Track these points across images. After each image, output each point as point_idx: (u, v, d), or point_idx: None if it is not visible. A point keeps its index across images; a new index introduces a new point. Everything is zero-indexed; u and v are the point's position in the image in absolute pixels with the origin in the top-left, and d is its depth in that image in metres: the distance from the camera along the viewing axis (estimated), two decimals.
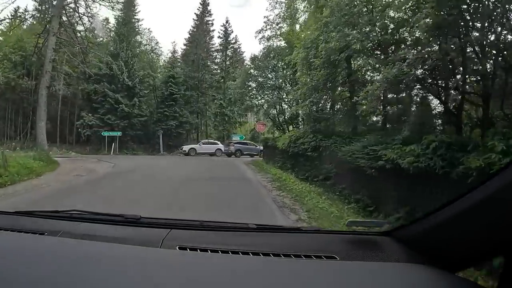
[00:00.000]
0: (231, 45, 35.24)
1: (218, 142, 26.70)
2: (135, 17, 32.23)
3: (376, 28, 7.88)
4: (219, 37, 35.20)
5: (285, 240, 1.21)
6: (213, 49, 35.81)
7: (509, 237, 0.74)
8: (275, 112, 17.91)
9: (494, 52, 5.69)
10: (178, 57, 34.60)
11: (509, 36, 5.64)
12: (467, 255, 0.88)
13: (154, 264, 0.88)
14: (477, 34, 5.75)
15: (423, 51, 6.08)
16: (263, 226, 1.30)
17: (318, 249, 1.07)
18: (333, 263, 0.99)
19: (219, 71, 34.73)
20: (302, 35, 14.04)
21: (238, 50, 35.55)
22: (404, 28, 7.71)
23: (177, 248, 1.06)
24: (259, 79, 18.19)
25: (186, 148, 24.86)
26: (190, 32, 35.68)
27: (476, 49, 5.71)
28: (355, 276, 0.88)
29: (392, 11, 7.97)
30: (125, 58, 28.00)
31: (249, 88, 18.17)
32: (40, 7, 28.68)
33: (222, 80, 33.21)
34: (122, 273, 0.85)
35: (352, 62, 10.08)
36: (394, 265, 0.95)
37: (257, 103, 18.69)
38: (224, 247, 1.05)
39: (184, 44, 35.86)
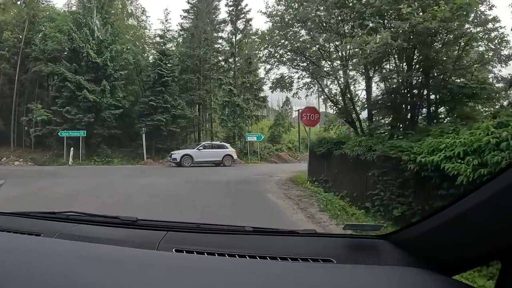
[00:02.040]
0: (243, 14, 26.25)
1: (227, 145, 17.82)
2: None
3: None
4: (226, 5, 26.33)
5: (282, 243, 1.18)
6: (219, 21, 27.00)
7: (505, 241, 0.73)
8: (341, 87, 8.93)
9: None
10: (172, 29, 25.83)
11: None
12: (464, 259, 0.86)
13: (150, 266, 0.86)
14: None
15: None
16: (260, 229, 1.24)
17: (315, 252, 1.05)
18: (330, 267, 0.98)
19: (227, 48, 25.82)
20: None
21: (251, 23, 26.56)
22: None
23: (174, 251, 1.04)
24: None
25: (177, 155, 16.08)
26: (189, 0, 26.99)
27: None
28: (352, 280, 0.86)
29: None
30: (92, 24, 19.43)
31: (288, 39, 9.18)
32: None
33: (232, 58, 24.27)
34: (118, 275, 0.82)
35: None
36: (391, 269, 0.94)
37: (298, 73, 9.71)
38: (221, 250, 1.04)
39: (182, 17, 27.22)
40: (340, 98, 9.92)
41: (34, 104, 19.07)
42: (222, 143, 18.40)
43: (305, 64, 10.12)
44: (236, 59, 24.78)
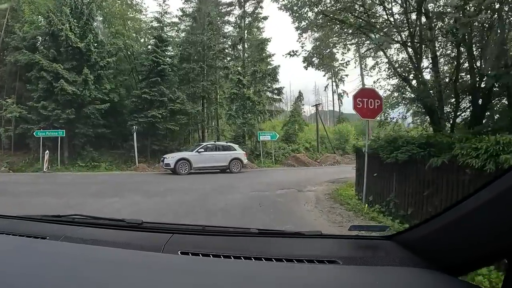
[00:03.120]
0: None
1: (235, 146, 14.41)
2: None
3: None
4: None
5: (287, 244, 1.15)
6: (225, 3, 23.63)
7: None
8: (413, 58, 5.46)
9: None
10: (171, 12, 22.55)
11: None
12: (470, 259, 0.84)
13: (155, 269, 0.85)
14: None
15: None
16: (265, 231, 1.22)
17: (320, 253, 1.02)
18: (335, 268, 0.95)
19: (235, 33, 22.41)
20: None
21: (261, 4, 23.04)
22: None
23: (179, 253, 1.02)
24: None
25: (170, 159, 12.74)
26: None
27: None
28: (357, 281, 0.85)
29: None
30: (73, 2, 16.25)
31: None
32: None
33: (240, 44, 20.84)
34: (124, 278, 0.81)
35: None
36: (397, 270, 0.91)
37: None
38: (226, 252, 1.02)
39: (184, 1, 23.94)
40: (411, 73, 6.46)
41: (5, 98, 15.99)
42: (229, 143, 14.96)
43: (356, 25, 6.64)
44: (246, 45, 21.42)
